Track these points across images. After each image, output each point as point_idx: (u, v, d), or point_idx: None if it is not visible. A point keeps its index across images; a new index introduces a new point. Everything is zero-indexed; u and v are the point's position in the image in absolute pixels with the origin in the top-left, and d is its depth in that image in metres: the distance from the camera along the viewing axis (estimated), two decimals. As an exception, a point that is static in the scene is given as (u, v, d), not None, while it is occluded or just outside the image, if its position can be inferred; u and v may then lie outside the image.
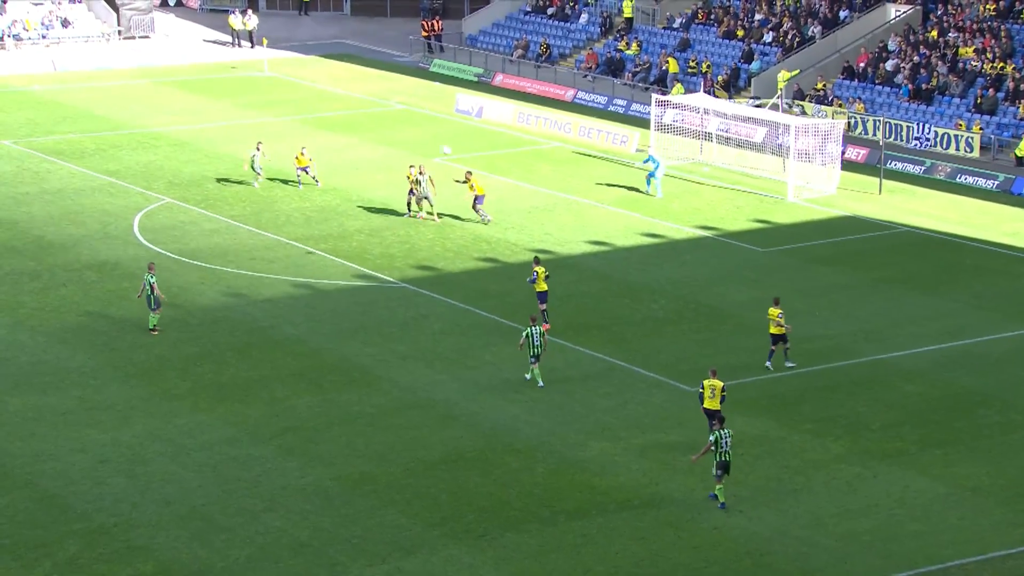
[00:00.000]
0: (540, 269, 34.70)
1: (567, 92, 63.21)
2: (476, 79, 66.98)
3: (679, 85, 59.64)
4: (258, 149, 46.54)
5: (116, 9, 73.11)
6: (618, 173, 50.33)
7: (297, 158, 46.91)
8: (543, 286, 34.64)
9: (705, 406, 28.36)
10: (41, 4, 71.89)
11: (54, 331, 33.94)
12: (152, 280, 33.48)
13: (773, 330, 32.18)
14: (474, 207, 43.08)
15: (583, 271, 39.61)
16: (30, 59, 66.94)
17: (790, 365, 32.43)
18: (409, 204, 43.68)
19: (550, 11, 71.54)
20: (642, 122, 55.18)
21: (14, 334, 33.59)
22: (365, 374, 32.12)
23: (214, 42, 74.83)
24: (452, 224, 43.55)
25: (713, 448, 25.92)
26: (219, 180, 47.59)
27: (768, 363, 32.38)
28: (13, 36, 69.35)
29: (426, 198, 43.31)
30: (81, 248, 39.94)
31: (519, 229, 43.57)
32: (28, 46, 69.60)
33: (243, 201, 45.20)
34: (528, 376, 31.55)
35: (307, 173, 46.86)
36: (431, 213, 43.33)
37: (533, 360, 31.26)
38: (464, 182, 43.48)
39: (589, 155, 53.31)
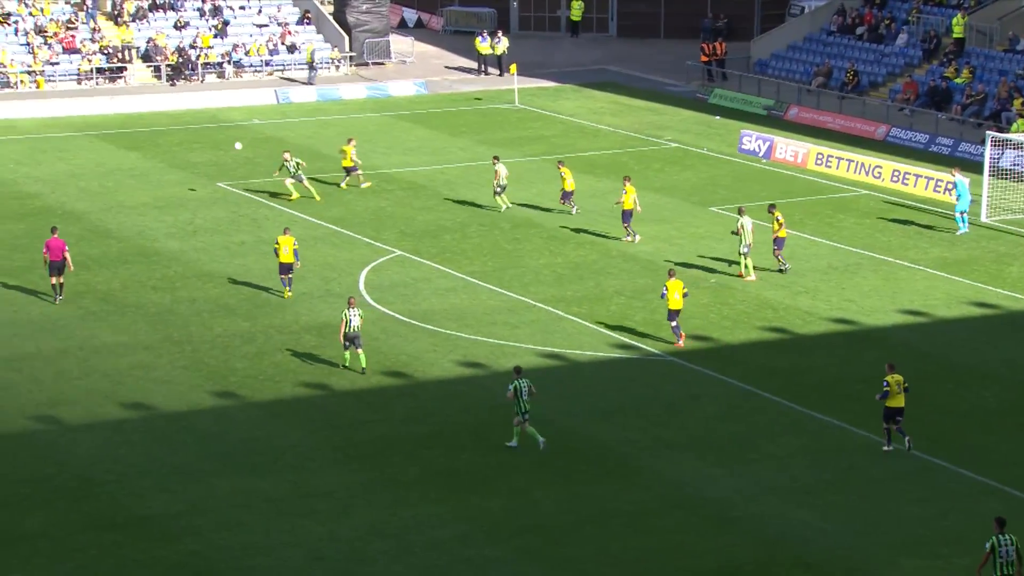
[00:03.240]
0: (894, 378, 31.76)
1: (878, 129, 62.20)
2: (765, 112, 66.63)
3: (1022, 121, 57.82)
4: (287, 159, 50.92)
5: (348, 32, 76.06)
6: (940, 226, 49.07)
7: (344, 151, 51.98)
8: (898, 401, 31.57)
9: None
10: (266, 26, 75.43)
11: (268, 403, 35.23)
12: (352, 315, 35.81)
13: None
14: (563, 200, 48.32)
15: (893, 347, 38.66)
16: (251, 89, 70.26)
17: None
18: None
19: (860, 31, 70.59)
20: (973, 165, 53.69)
21: (224, 406, 35.03)
22: (623, 464, 32.08)
23: (457, 69, 76.91)
24: (731, 287, 43.31)
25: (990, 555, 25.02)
26: (456, 230, 48.67)
27: None
28: (234, 63, 72.98)
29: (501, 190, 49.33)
30: (300, 307, 41.44)
31: (813, 293, 42.96)
32: (250, 74, 73.11)
33: (484, 255, 46.11)
34: (513, 443, 32.09)
35: (351, 175, 51.82)
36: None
37: (521, 418, 31.91)
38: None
39: (904, 205, 52.19)
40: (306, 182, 51.59)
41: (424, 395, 35.55)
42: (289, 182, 51.54)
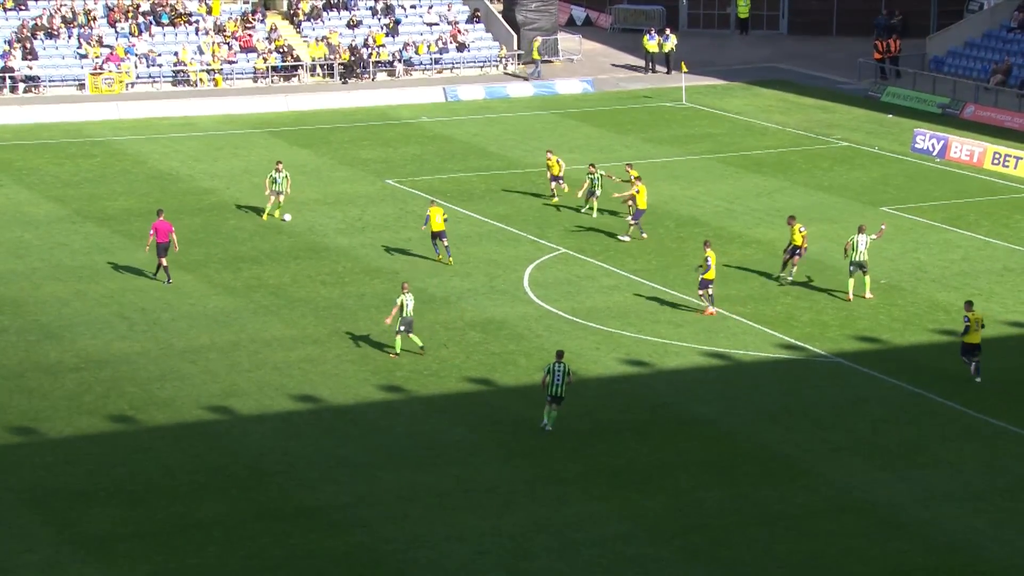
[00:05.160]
0: (974, 316, 35.28)
1: (1056, 127, 60.65)
2: (940, 111, 65.38)
3: None
4: (278, 170, 48.86)
5: (517, 30, 76.40)
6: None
7: (550, 164, 50.64)
8: (974, 338, 34.99)
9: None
10: (436, 24, 76.15)
11: (432, 398, 35.57)
12: (408, 300, 36.74)
13: None
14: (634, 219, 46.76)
15: (1069, 351, 37.72)
16: (421, 87, 70.98)
17: None
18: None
19: (1039, 27, 68.87)
20: None
21: (390, 400, 35.45)
22: (788, 467, 31.74)
23: (626, 67, 76.80)
24: (901, 289, 42.56)
25: None
26: (620, 228, 48.56)
27: None
28: (404, 61, 73.79)
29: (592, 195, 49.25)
30: (465, 303, 41.75)
31: (988, 295, 42.03)
32: (419, 72, 73.87)
33: (648, 254, 45.96)
34: (545, 421, 32.89)
35: (559, 184, 50.41)
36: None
37: (551, 401, 32.67)
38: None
39: (1082, 205, 50.89)
40: (282, 198, 48.89)
41: (587, 392, 35.57)
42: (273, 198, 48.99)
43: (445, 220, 44.57)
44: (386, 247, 46.87)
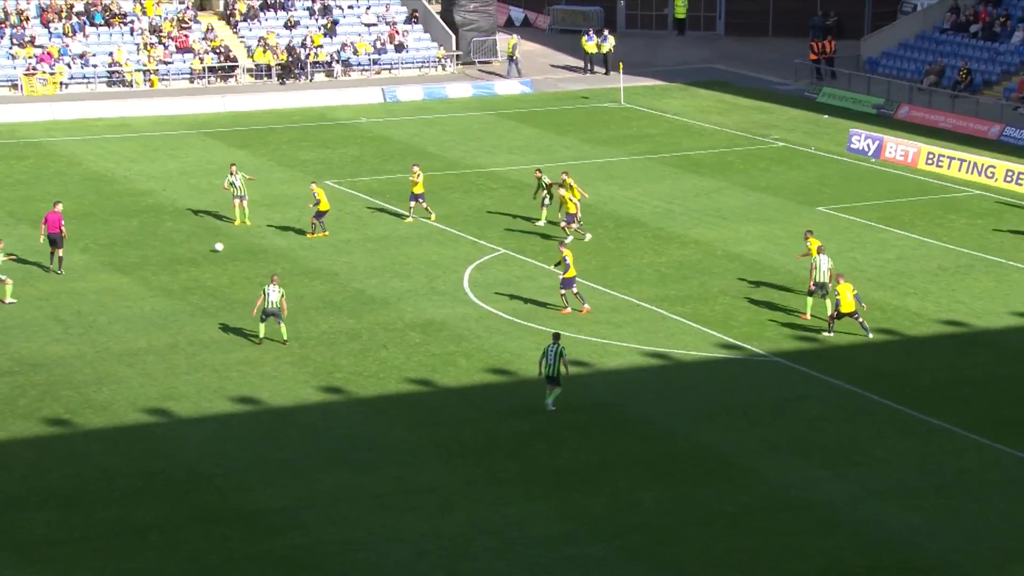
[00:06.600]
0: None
1: (991, 128, 61.29)
2: (875, 111, 65.94)
3: None
4: (232, 173, 48.59)
5: (456, 31, 76.37)
6: (1052, 228, 48.28)
7: (413, 180, 48.96)
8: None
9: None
10: (375, 25, 75.97)
11: (372, 400, 35.49)
12: (271, 291, 37.68)
13: None
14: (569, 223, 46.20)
15: (1005, 351, 38.05)
16: (359, 87, 70.80)
17: None
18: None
19: (973, 29, 69.55)
20: (1085, 165, 52.77)
21: (329, 401, 35.34)
22: (727, 466, 31.90)
23: (564, 67, 76.93)
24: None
25: None
26: (560, 229, 48.64)
27: None
28: (343, 61, 73.57)
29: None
30: (405, 305, 41.69)
31: (922, 295, 42.41)
32: (358, 73, 73.67)
33: (588, 254, 46.07)
34: (548, 401, 33.86)
35: (420, 203, 48.82)
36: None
37: (549, 382, 33.73)
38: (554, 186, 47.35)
39: (1018, 205, 51.36)
40: (245, 203, 48.69)
41: (526, 393, 35.59)
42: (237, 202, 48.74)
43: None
44: (325, 249, 46.70)
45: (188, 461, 31.93)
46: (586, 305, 40.62)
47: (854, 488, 30.72)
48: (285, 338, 38.30)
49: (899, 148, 57.62)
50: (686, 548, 28.38)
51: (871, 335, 38.52)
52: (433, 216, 49.23)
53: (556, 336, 34.45)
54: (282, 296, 38.24)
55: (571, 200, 46.46)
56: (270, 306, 37.98)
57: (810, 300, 40.12)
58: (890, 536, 28.77)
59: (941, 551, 28.19)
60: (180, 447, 32.66)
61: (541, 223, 48.52)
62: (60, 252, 43.63)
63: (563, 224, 46.78)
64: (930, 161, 56.33)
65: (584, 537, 28.77)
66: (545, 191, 48.58)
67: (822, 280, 39.56)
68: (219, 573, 27.41)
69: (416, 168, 49.43)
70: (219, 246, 45.55)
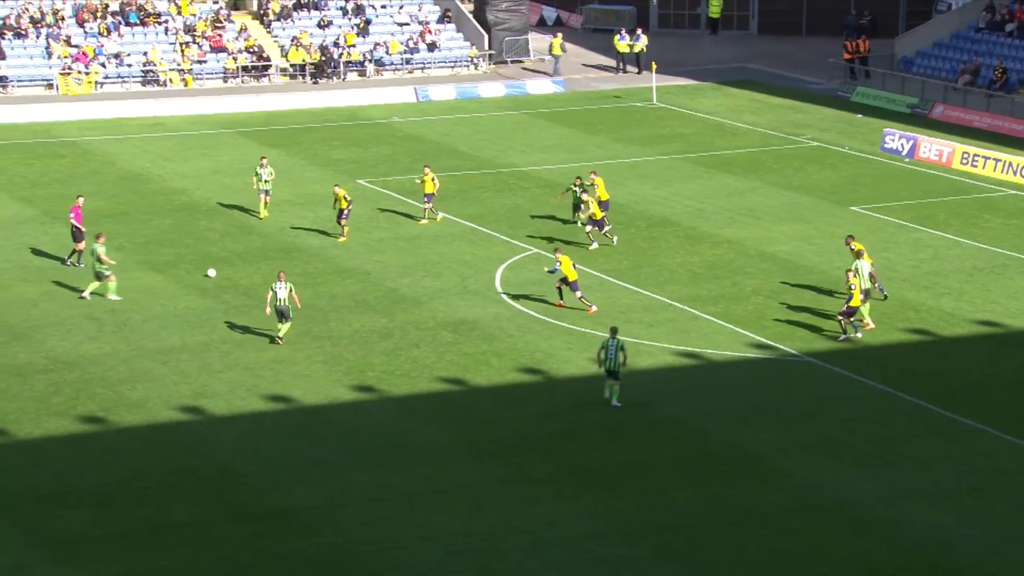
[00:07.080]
0: None
1: (1026, 127, 60.98)
2: (909, 111, 65.68)
3: None
4: (263, 165, 49.09)
5: (488, 30, 76.44)
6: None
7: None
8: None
9: None
10: (407, 24, 76.12)
11: (404, 399, 35.58)
12: (279, 288, 37.55)
13: None
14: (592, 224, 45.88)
15: (1037, 350, 37.93)
16: (392, 87, 70.93)
17: None
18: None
19: (1009, 27, 69.19)
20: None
21: (361, 400, 35.44)
22: (758, 466, 31.86)
23: (596, 67, 76.88)
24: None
25: None
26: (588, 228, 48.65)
27: None
28: (375, 61, 73.73)
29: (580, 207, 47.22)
30: (437, 304, 41.76)
31: (957, 295, 42.25)
32: (390, 72, 73.81)
33: (620, 253, 46.05)
34: (608, 394, 34.18)
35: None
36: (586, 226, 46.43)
37: (608, 376, 33.93)
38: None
39: (1050, 205, 51.18)
40: (268, 197, 49.35)
41: (559, 392, 35.62)
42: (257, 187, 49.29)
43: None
44: (357, 248, 46.83)
45: (221, 459, 32.08)
46: (593, 307, 40.54)
47: (886, 489, 30.64)
48: (281, 335, 38.24)
49: (933, 148, 57.40)
50: (717, 548, 28.35)
51: (859, 333, 38.57)
52: (439, 217, 49.28)
53: (614, 330, 34.46)
54: (291, 290, 38.26)
55: (594, 202, 46.00)
56: (280, 303, 38.06)
57: (866, 308, 39.44)
58: (922, 537, 28.69)
59: (974, 552, 28.09)
60: (213, 445, 32.81)
61: (579, 224, 48.11)
62: (79, 246, 44.00)
63: (588, 230, 46.38)
64: (965, 161, 56.10)
65: (615, 537, 28.78)
66: (578, 199, 47.91)
67: (865, 287, 39.01)
68: (252, 571, 27.53)
69: (427, 169, 49.35)
70: (211, 272, 43.86)
